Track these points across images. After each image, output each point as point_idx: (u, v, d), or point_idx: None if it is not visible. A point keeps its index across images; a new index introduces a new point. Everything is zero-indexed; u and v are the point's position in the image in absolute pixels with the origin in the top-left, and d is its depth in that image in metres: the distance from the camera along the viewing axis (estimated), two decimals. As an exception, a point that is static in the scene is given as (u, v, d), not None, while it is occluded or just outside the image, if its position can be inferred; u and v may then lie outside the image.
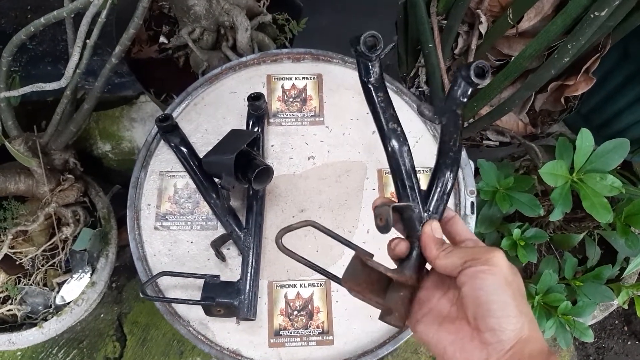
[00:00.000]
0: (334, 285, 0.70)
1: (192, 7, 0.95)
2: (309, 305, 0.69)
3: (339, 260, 0.71)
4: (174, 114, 0.78)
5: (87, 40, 0.71)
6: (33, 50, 1.27)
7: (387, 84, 0.78)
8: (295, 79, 0.82)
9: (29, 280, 0.94)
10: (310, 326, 0.69)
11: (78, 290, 0.96)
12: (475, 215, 0.74)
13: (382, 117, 0.46)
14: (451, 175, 0.45)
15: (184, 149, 0.74)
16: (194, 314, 0.68)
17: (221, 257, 0.69)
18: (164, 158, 0.76)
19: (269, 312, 0.69)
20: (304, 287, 0.70)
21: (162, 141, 0.76)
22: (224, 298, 0.65)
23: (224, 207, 0.70)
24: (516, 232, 0.88)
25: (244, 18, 0.97)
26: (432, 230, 0.42)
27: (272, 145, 0.77)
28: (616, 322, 1.34)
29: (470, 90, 0.47)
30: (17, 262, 0.93)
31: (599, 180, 0.75)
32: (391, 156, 0.45)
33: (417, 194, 0.44)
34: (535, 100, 1.05)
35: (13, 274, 0.94)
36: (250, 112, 0.77)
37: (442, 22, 0.94)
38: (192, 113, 0.79)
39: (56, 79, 0.69)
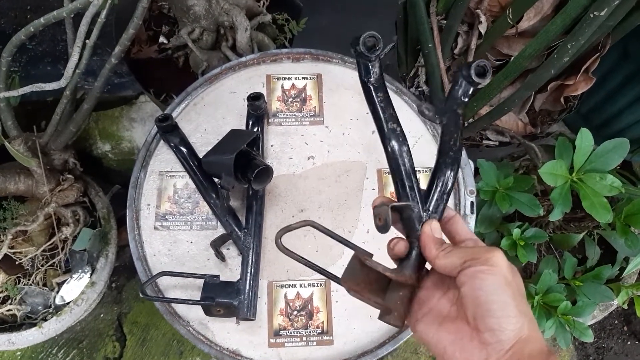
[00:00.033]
0: (333, 285, 0.70)
1: (191, 7, 0.95)
2: (309, 305, 0.69)
3: (339, 260, 0.71)
4: (174, 114, 0.78)
5: (87, 41, 0.71)
6: (33, 51, 1.27)
7: (387, 84, 0.78)
8: (295, 78, 0.82)
9: (29, 280, 0.94)
10: (310, 326, 0.69)
11: (78, 290, 0.96)
12: (475, 215, 0.74)
13: (382, 117, 0.46)
14: (451, 175, 0.45)
15: (184, 149, 0.74)
16: (194, 314, 0.68)
17: (221, 257, 0.69)
18: (164, 158, 0.76)
19: (268, 312, 0.69)
20: (304, 287, 0.70)
21: (161, 141, 0.76)
22: (224, 298, 0.65)
23: (224, 207, 0.70)
24: (516, 232, 0.88)
25: (243, 18, 0.97)
26: (431, 230, 0.42)
27: (272, 145, 0.77)
28: (616, 322, 1.34)
29: (471, 89, 0.47)
30: (17, 262, 0.93)
31: (598, 180, 0.75)
32: (391, 156, 0.45)
33: (417, 193, 0.44)
34: (534, 100, 1.05)
35: (13, 274, 0.94)
36: (250, 112, 0.77)
37: (441, 22, 0.94)
38: (191, 113, 0.79)
39: (56, 79, 0.69)
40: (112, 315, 1.20)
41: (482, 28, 0.93)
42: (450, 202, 0.74)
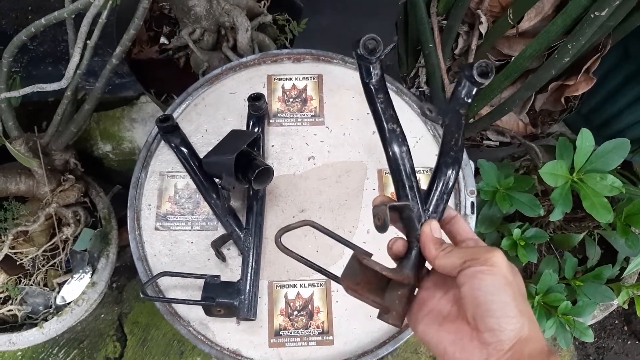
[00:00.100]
0: (334, 285, 0.70)
1: (192, 7, 0.95)
2: (309, 306, 0.70)
3: (339, 261, 0.71)
4: (175, 115, 0.78)
5: (88, 41, 0.71)
6: (34, 51, 1.27)
7: (388, 84, 0.78)
8: (296, 79, 0.82)
9: (30, 280, 0.94)
10: (310, 326, 0.69)
11: (78, 290, 0.96)
12: (475, 215, 0.75)
13: (382, 118, 0.46)
14: (452, 175, 0.45)
15: (185, 150, 0.74)
16: (194, 314, 0.68)
17: (221, 257, 0.69)
18: (165, 158, 0.76)
19: (269, 312, 0.69)
20: (304, 287, 0.70)
21: (162, 142, 0.76)
22: (224, 298, 0.65)
23: (224, 208, 0.70)
24: (516, 232, 0.88)
25: (244, 19, 0.97)
26: (431, 230, 0.42)
27: (273, 146, 0.78)
28: (616, 321, 1.34)
29: (474, 90, 0.47)
30: (18, 263, 0.93)
31: (599, 180, 0.75)
32: (390, 156, 0.45)
33: (416, 193, 0.44)
34: (535, 100, 1.05)
35: (14, 274, 0.94)
36: (251, 112, 0.77)
37: (442, 22, 0.94)
38: (192, 113, 0.79)
39: (57, 80, 0.69)
40: (112, 316, 1.20)
41: (483, 28, 0.93)
42: (451, 202, 0.74)
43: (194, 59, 1.04)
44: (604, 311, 1.09)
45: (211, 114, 0.79)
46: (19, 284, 0.94)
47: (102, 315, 1.20)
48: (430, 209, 0.44)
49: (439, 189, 0.45)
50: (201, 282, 0.67)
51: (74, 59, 0.69)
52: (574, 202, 0.78)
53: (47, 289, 0.95)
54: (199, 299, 0.65)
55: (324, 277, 0.44)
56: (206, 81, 0.81)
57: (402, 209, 0.44)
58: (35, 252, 0.93)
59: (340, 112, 0.80)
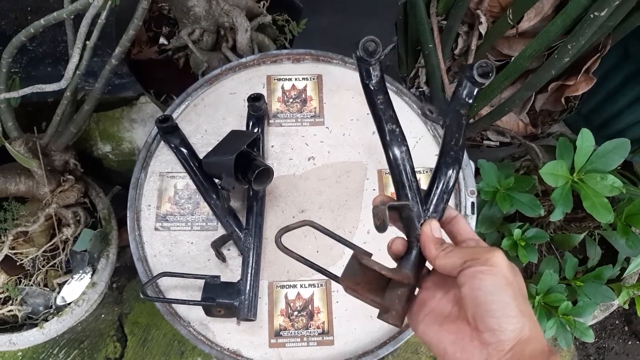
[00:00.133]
0: (334, 285, 0.70)
1: (191, 8, 0.95)
2: (310, 306, 0.69)
3: (339, 261, 0.71)
4: (174, 115, 0.78)
5: (87, 42, 0.71)
6: (33, 52, 1.27)
7: (387, 85, 0.78)
8: (295, 79, 0.82)
9: (30, 280, 0.94)
10: (310, 326, 0.69)
11: (79, 290, 0.96)
12: (475, 216, 0.74)
13: (382, 118, 0.46)
14: (452, 175, 0.45)
15: (184, 150, 0.74)
16: (195, 315, 0.68)
17: (221, 257, 0.69)
18: (164, 159, 0.76)
19: (269, 312, 0.69)
20: (305, 287, 0.70)
21: (162, 142, 0.76)
22: (225, 299, 0.65)
23: (224, 208, 0.70)
24: (517, 232, 0.87)
25: (243, 19, 0.97)
26: (431, 229, 0.42)
27: (272, 146, 0.78)
28: (617, 322, 1.34)
29: (475, 90, 0.47)
30: (18, 263, 0.93)
31: (599, 181, 0.75)
32: (390, 157, 0.45)
33: (416, 193, 0.44)
34: (535, 101, 1.05)
35: (14, 274, 0.94)
36: (250, 112, 0.77)
37: (441, 22, 0.94)
38: (192, 114, 0.79)
39: (56, 80, 0.69)
40: (113, 316, 1.20)
41: (483, 28, 0.93)
42: (451, 203, 0.74)
43: (194, 60, 1.04)
44: (605, 311, 1.09)
45: (211, 115, 0.79)
46: (19, 284, 0.94)
47: (103, 316, 1.20)
48: (431, 209, 0.44)
49: (439, 189, 0.45)
50: (201, 282, 0.67)
51: (73, 60, 0.69)
52: (575, 202, 0.78)
53: (47, 289, 0.95)
54: (199, 299, 0.65)
55: (324, 277, 0.44)
56: (206, 82, 0.81)
57: (402, 208, 0.44)
58: (35, 252, 0.93)
59: (340, 113, 0.80)
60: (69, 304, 0.95)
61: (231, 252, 0.71)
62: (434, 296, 0.42)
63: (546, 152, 0.91)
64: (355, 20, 1.39)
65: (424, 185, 0.45)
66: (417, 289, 0.44)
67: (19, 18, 1.29)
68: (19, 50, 0.75)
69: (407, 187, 0.44)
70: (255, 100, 0.74)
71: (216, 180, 0.72)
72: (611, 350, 1.31)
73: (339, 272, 0.43)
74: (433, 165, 0.47)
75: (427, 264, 0.43)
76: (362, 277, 0.42)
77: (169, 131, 0.74)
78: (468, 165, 0.76)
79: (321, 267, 0.44)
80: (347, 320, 0.69)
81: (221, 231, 0.72)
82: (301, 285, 0.70)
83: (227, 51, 1.00)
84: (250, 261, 0.68)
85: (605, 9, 0.64)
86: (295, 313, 0.69)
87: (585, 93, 0.96)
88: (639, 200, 0.81)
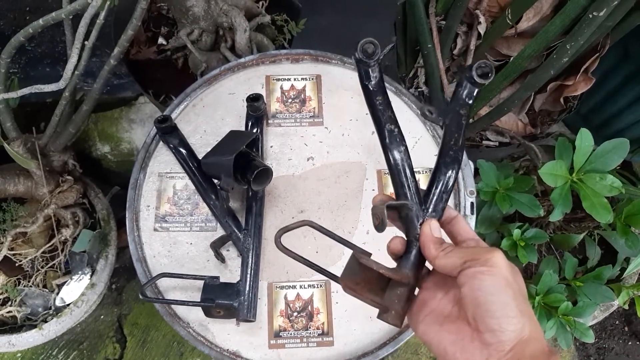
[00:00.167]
0: (334, 286, 0.70)
1: (190, 8, 0.95)
2: (309, 307, 0.69)
3: (339, 261, 0.71)
4: (173, 115, 0.78)
5: (86, 42, 0.71)
6: (32, 52, 1.27)
7: (387, 85, 0.78)
8: (294, 79, 0.82)
9: (29, 281, 0.94)
10: (310, 327, 0.69)
11: (78, 291, 0.96)
12: (475, 216, 0.74)
13: (381, 119, 0.46)
14: (451, 175, 0.45)
15: (183, 150, 0.74)
16: (194, 316, 0.68)
17: (221, 258, 0.69)
18: (163, 159, 0.76)
19: (268, 313, 0.69)
20: (304, 288, 0.70)
21: (161, 142, 0.76)
22: (224, 299, 0.64)
23: (223, 208, 0.70)
24: (516, 232, 0.87)
25: (242, 19, 0.97)
26: (430, 229, 0.42)
27: (271, 146, 0.77)
28: (617, 322, 1.34)
29: (475, 91, 0.47)
30: (17, 264, 0.93)
31: (598, 181, 0.75)
32: (389, 157, 0.45)
33: (415, 192, 0.44)
34: (534, 101, 1.05)
35: (13, 275, 0.94)
36: (249, 113, 0.76)
37: (440, 22, 0.94)
38: (191, 114, 0.79)
39: (55, 81, 0.69)
40: (112, 317, 1.20)
41: (482, 29, 0.93)
42: (450, 203, 0.74)
43: (192, 60, 1.04)
44: (605, 312, 1.09)
45: (209, 115, 0.79)
46: (18, 285, 0.94)
47: (102, 317, 1.20)
48: (430, 209, 0.44)
49: (438, 189, 0.45)
50: (200, 283, 0.67)
51: (72, 60, 0.69)
52: (574, 202, 0.78)
53: (47, 290, 0.95)
54: (199, 300, 0.65)
55: (323, 278, 0.44)
56: (204, 82, 0.80)
57: (401, 208, 0.44)
58: (34, 253, 0.92)
59: (339, 113, 0.80)
60: (68, 305, 0.95)
61: (230, 253, 0.71)
62: (434, 296, 0.41)
63: (545, 152, 0.91)
64: (354, 20, 1.39)
65: (423, 185, 0.45)
66: (417, 289, 0.44)
67: (18, 18, 1.29)
68: (17, 50, 0.74)
69: (406, 187, 0.44)
70: (254, 100, 0.74)
71: (215, 181, 0.72)
72: (611, 350, 1.31)
73: (338, 272, 0.43)
74: (432, 165, 0.47)
75: (428, 264, 0.43)
76: (361, 277, 0.42)
77: (167, 131, 0.74)
78: (467, 165, 0.76)
79: (321, 267, 0.44)
80: (346, 321, 0.69)
81: (220, 232, 0.72)
82: (301, 286, 0.70)
83: (225, 51, 1.00)
84: (250, 262, 0.68)
85: (604, 9, 0.64)
86: (295, 314, 0.69)
87: (584, 93, 0.96)
88: (638, 200, 0.81)
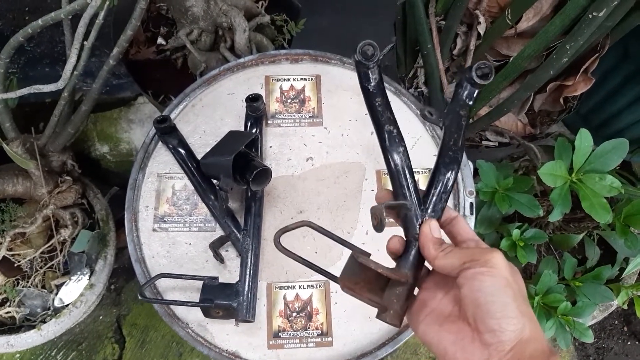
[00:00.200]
0: (333, 286, 0.70)
1: (189, 8, 0.95)
2: (308, 307, 0.69)
3: (338, 262, 0.71)
4: (172, 116, 0.78)
5: (85, 42, 0.71)
6: (31, 52, 1.27)
7: (386, 85, 0.78)
8: (294, 80, 0.81)
9: (27, 282, 0.94)
10: (309, 327, 0.68)
11: (76, 292, 0.95)
12: (474, 216, 0.74)
13: (380, 121, 0.46)
14: (451, 175, 0.45)
15: (182, 151, 0.74)
16: (193, 316, 0.68)
17: (220, 258, 0.69)
18: (162, 160, 0.76)
19: (267, 313, 0.69)
20: (303, 288, 0.70)
21: (160, 143, 0.76)
22: (223, 300, 0.64)
23: (222, 209, 0.70)
24: (515, 232, 0.87)
25: (242, 19, 0.97)
26: (430, 229, 0.42)
27: (271, 147, 0.77)
28: (616, 322, 1.34)
29: (476, 92, 0.47)
30: (15, 264, 0.93)
31: (598, 181, 0.75)
32: (388, 158, 0.45)
33: (414, 192, 0.44)
34: (534, 101, 1.05)
35: (11, 276, 0.94)
36: (249, 113, 0.76)
37: (440, 22, 0.94)
38: (190, 114, 0.79)
39: (54, 81, 0.69)
40: (111, 317, 1.20)
41: (481, 29, 0.93)
42: (450, 203, 0.74)
43: (192, 60, 1.03)
44: (604, 312, 1.09)
45: (209, 115, 0.78)
46: (17, 285, 0.94)
47: (101, 317, 1.20)
48: (429, 209, 0.44)
49: (437, 189, 0.45)
50: (199, 283, 0.67)
51: (71, 60, 0.69)
52: (573, 202, 0.78)
53: (45, 290, 0.95)
54: (198, 300, 0.65)
55: (322, 278, 0.44)
56: (204, 82, 0.80)
57: (399, 208, 0.44)
58: (33, 253, 0.92)
59: (339, 113, 0.80)
60: (67, 305, 0.94)
61: (229, 253, 0.71)
62: (434, 296, 0.41)
63: (545, 152, 0.91)
64: (354, 21, 1.39)
65: (422, 185, 0.45)
66: (416, 289, 0.44)
67: (17, 18, 1.29)
68: (16, 50, 0.74)
69: (405, 188, 0.44)
70: (253, 100, 0.74)
71: (214, 181, 0.72)
72: (610, 350, 1.31)
73: (338, 272, 0.43)
74: (431, 165, 0.47)
75: (428, 264, 0.43)
76: (360, 277, 0.42)
77: (166, 132, 0.74)
78: (467, 166, 0.76)
79: (320, 268, 0.44)
80: (346, 321, 0.69)
81: (219, 232, 0.71)
82: (300, 286, 0.70)
83: (225, 51, 1.00)
84: (249, 262, 0.68)
85: (604, 9, 0.64)
86: (294, 314, 0.69)
87: (583, 93, 0.96)
88: (637, 201, 0.81)
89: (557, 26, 0.73)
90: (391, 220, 0.46)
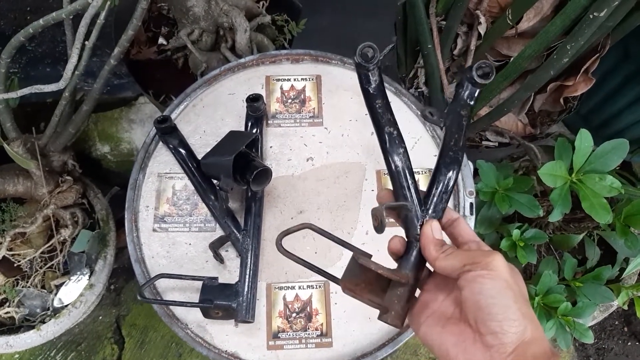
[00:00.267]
0: (332, 287, 0.70)
1: (191, 8, 0.95)
2: (308, 307, 0.69)
3: (338, 262, 0.71)
4: (173, 116, 0.78)
5: (86, 42, 0.71)
6: (32, 52, 1.27)
7: (386, 85, 0.78)
8: (294, 80, 0.81)
9: (27, 282, 0.94)
10: (308, 328, 0.68)
11: (76, 292, 0.95)
12: (474, 216, 0.74)
13: (380, 122, 0.46)
14: (452, 175, 0.45)
15: (183, 151, 0.74)
16: (192, 317, 0.68)
17: (219, 259, 0.69)
18: (163, 160, 0.76)
19: (267, 314, 0.69)
20: (303, 289, 0.70)
21: (160, 143, 0.76)
22: (222, 300, 0.64)
23: (223, 209, 0.70)
24: (515, 232, 0.87)
25: (242, 19, 0.97)
26: (431, 230, 0.42)
27: (271, 147, 0.77)
28: (616, 322, 1.34)
29: (477, 92, 0.47)
30: (15, 264, 0.93)
31: (598, 181, 0.75)
32: (388, 159, 0.45)
33: (414, 193, 0.44)
34: (534, 101, 1.04)
35: (11, 276, 0.94)
36: (249, 113, 0.76)
37: (441, 22, 0.94)
38: (190, 114, 0.79)
39: (55, 81, 0.69)
40: (110, 318, 1.20)
41: (482, 29, 0.93)
42: (450, 203, 0.74)
43: (193, 60, 1.03)
44: (604, 312, 1.09)
45: (209, 115, 0.78)
46: (17, 285, 0.94)
47: (100, 318, 1.20)
48: (430, 210, 0.44)
49: (438, 189, 0.45)
50: (199, 284, 0.67)
51: (72, 60, 0.69)
52: (573, 202, 0.78)
53: (45, 291, 0.95)
54: (197, 301, 0.64)
55: (322, 278, 0.44)
56: (204, 82, 0.80)
57: (400, 209, 0.44)
58: (32, 253, 0.92)
59: (339, 113, 0.80)
60: (67, 305, 0.94)
61: (229, 254, 0.71)
62: (436, 298, 0.41)
63: (545, 152, 0.91)
64: (355, 21, 1.39)
65: (422, 186, 0.45)
66: (418, 290, 0.43)
67: (18, 18, 1.29)
68: (17, 50, 0.74)
69: (406, 189, 0.44)
70: (254, 100, 0.74)
71: (214, 181, 0.72)
72: (611, 351, 1.31)
73: (337, 272, 0.43)
74: (431, 165, 0.47)
75: (429, 266, 0.43)
76: (361, 279, 0.42)
77: (167, 132, 0.74)
78: (466, 166, 0.76)
79: (322, 270, 0.44)
80: (345, 321, 0.69)
81: (219, 232, 0.71)
82: (299, 287, 0.70)
83: (226, 51, 1.00)
84: (249, 262, 0.68)
85: (605, 10, 0.64)
86: (294, 315, 0.69)
87: (584, 93, 0.96)
88: (637, 201, 0.81)
89: (557, 26, 0.73)
90: (391, 220, 0.46)
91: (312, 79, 0.82)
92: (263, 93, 0.80)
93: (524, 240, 0.88)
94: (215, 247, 0.68)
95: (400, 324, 0.41)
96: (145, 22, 1.10)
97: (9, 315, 0.93)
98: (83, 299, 0.95)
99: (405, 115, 0.80)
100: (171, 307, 0.68)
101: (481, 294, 0.36)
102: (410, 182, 0.45)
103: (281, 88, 0.81)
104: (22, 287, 0.94)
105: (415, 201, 0.44)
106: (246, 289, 0.66)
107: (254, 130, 0.76)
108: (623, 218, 0.82)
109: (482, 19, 0.91)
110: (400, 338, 0.67)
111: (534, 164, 0.91)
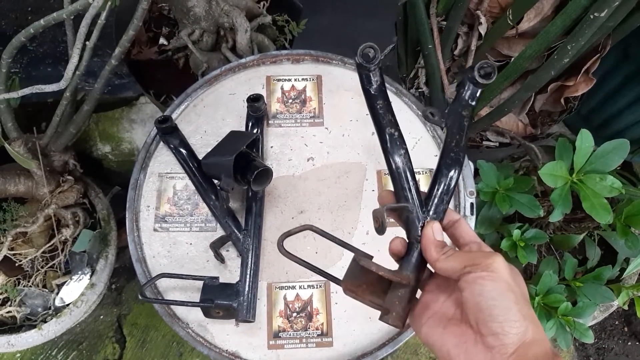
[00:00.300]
0: (333, 286, 0.70)
1: (191, 8, 0.95)
2: (308, 307, 0.69)
3: (338, 262, 0.71)
4: (174, 116, 0.78)
5: (87, 42, 0.71)
6: (33, 52, 1.27)
7: (387, 85, 0.78)
8: (295, 80, 0.82)
9: (29, 281, 0.94)
10: (309, 328, 0.69)
11: (77, 291, 0.96)
12: (474, 217, 0.74)
13: (381, 123, 0.46)
14: (453, 176, 0.45)
15: (183, 151, 0.74)
16: (193, 316, 0.68)
17: (220, 258, 0.69)
18: (164, 159, 0.76)
19: (268, 313, 0.69)
20: (303, 288, 0.70)
21: (161, 143, 0.76)
22: (223, 300, 0.64)
23: (223, 209, 0.70)
24: (516, 233, 0.87)
25: (243, 19, 0.97)
26: (432, 232, 0.42)
27: (272, 147, 0.77)
28: (616, 322, 1.34)
29: (478, 92, 0.47)
30: (17, 264, 0.93)
31: (598, 181, 0.75)
32: (389, 160, 0.46)
33: (415, 195, 0.44)
34: (535, 101, 1.04)
35: (12, 275, 0.94)
36: (250, 113, 0.76)
37: (441, 23, 0.94)
38: (191, 114, 0.79)
39: (56, 81, 0.69)
40: (111, 317, 1.20)
41: (482, 29, 0.93)
42: (450, 204, 0.74)
43: (193, 60, 1.04)
44: (604, 312, 1.09)
45: (210, 115, 0.79)
46: (18, 285, 0.94)
47: (101, 317, 1.20)
48: (431, 211, 0.44)
49: (439, 190, 0.45)
50: (200, 283, 0.67)
51: (73, 60, 0.69)
52: (574, 202, 0.78)
53: (46, 290, 0.95)
54: (198, 300, 0.65)
55: (323, 278, 0.44)
56: (205, 82, 0.81)
57: (401, 210, 0.44)
58: (34, 253, 0.93)
59: (340, 113, 0.80)
60: (68, 305, 0.95)
61: (230, 253, 0.71)
62: (437, 299, 0.42)
63: (545, 152, 0.91)
64: (355, 21, 1.39)
65: (423, 186, 0.45)
66: (418, 291, 0.44)
67: (19, 18, 1.29)
68: (18, 50, 0.75)
69: (407, 190, 0.44)
70: (254, 100, 0.74)
71: (215, 181, 0.72)
72: (611, 351, 1.31)
73: (338, 272, 0.43)
74: (432, 166, 0.47)
75: (431, 267, 0.43)
76: (363, 280, 0.42)
77: (168, 132, 0.74)
78: (467, 166, 0.76)
79: (324, 271, 0.44)
80: (346, 321, 0.69)
81: (220, 232, 0.72)
82: (300, 287, 0.70)
83: (226, 52, 1.00)
84: (249, 262, 0.68)
85: (605, 10, 0.64)
86: (294, 314, 0.69)
87: (584, 94, 0.96)
88: (638, 201, 0.81)
89: (558, 26, 0.73)
90: (392, 220, 0.46)
91: (313, 79, 0.82)
92: (264, 93, 0.80)
93: (524, 240, 0.88)
94: (216, 246, 0.69)
95: (402, 325, 0.41)
96: (146, 23, 1.10)
97: (10, 314, 0.93)
98: (84, 298, 0.95)
99: (406, 116, 0.80)
100: (172, 306, 0.68)
101: (482, 295, 0.36)
102: (411, 183, 0.45)
103: (282, 88, 0.81)
104: (24, 286, 0.94)
105: (417, 202, 0.44)
106: (247, 289, 0.66)
107: (255, 131, 0.76)
108: (624, 218, 0.82)
109: (483, 19, 0.91)
110: (400, 337, 0.68)
111: (535, 164, 0.91)
